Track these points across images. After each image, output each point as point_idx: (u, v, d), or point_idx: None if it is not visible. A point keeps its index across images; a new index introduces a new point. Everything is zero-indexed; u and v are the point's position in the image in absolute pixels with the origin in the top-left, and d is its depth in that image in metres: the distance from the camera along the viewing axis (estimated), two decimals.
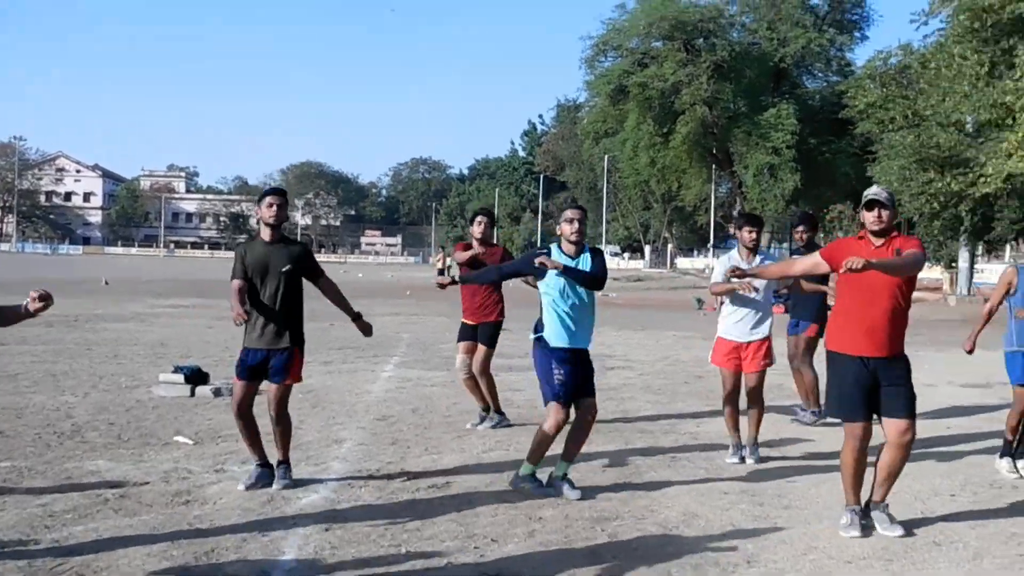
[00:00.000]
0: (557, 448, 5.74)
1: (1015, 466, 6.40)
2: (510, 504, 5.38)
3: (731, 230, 7.15)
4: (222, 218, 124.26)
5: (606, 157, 60.70)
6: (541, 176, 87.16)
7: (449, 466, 6.33)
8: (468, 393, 8.03)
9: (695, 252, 77.86)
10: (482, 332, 7.83)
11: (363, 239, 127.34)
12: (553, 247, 5.72)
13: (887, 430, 4.91)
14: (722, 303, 6.99)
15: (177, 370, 9.20)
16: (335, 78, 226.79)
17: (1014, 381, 6.42)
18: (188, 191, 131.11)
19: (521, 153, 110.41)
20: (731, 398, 6.83)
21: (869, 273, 4.66)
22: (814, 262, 5.18)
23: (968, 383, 10.85)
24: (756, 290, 6.60)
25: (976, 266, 30.19)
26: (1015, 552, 4.71)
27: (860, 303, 4.89)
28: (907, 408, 4.88)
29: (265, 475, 5.67)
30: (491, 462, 6.46)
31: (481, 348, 7.83)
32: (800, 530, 5.00)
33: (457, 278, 6.33)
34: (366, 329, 5.95)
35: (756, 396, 6.81)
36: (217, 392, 8.90)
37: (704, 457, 6.81)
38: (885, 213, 4.90)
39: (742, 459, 6.65)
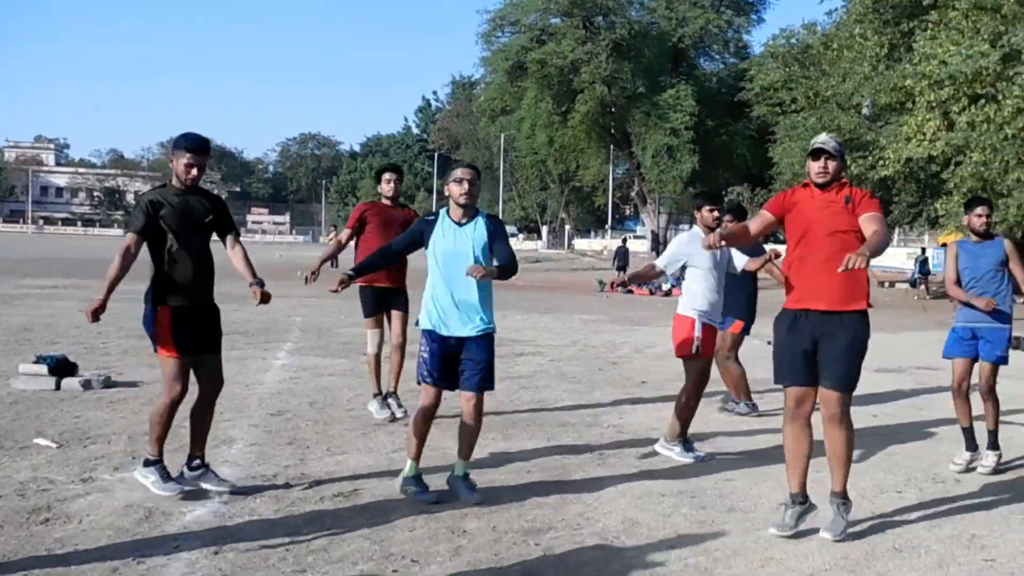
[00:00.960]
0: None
1: (970, 459, 6.15)
2: (429, 515, 4.80)
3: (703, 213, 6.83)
4: (96, 193, 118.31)
5: (502, 136, 60.24)
6: (436, 154, 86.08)
7: (356, 470, 5.70)
8: (369, 375, 7.36)
9: (592, 233, 78.24)
10: (393, 297, 7.24)
11: (249, 217, 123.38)
12: (441, 212, 5.18)
13: (822, 401, 4.62)
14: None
15: (40, 360, 8.28)
16: (217, 47, 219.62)
17: (945, 354, 6.32)
18: (58, 164, 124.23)
19: (415, 130, 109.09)
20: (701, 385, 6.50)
21: (812, 226, 4.57)
22: (764, 220, 4.84)
23: (881, 368, 10.78)
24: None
25: None
26: (980, 558, 4.41)
27: (805, 256, 4.64)
28: (836, 376, 4.58)
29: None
30: (401, 461, 5.84)
31: (396, 314, 7.22)
32: (751, 537, 4.59)
33: (352, 270, 5.54)
34: (266, 298, 5.20)
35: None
36: (87, 385, 8.05)
37: (634, 454, 6.36)
38: (832, 164, 4.60)
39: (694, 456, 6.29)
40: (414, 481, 5.13)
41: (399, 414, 7.19)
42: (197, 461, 5.12)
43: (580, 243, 69.94)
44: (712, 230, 6.33)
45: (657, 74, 43.84)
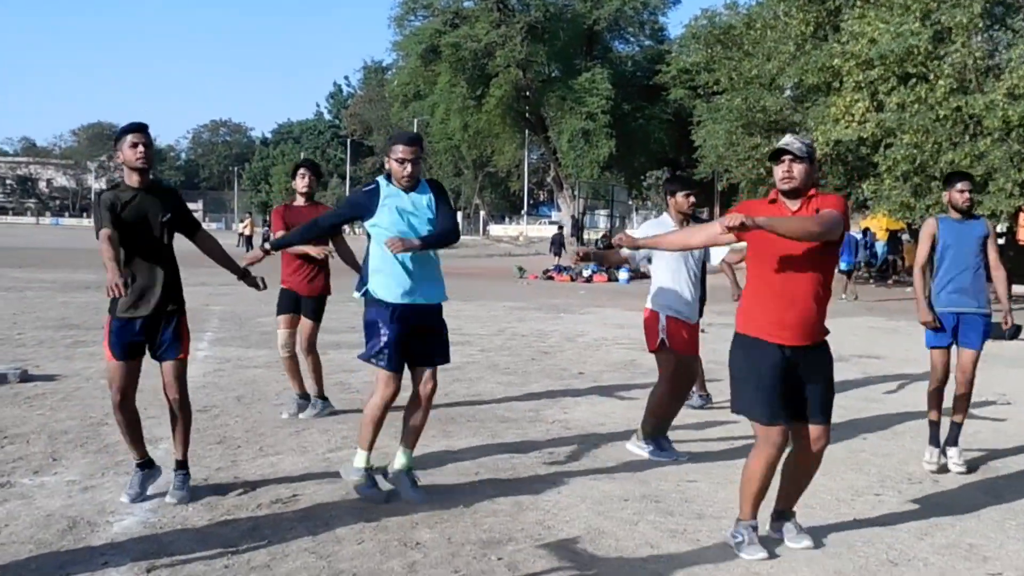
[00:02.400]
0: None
1: (939, 456, 5.89)
2: (376, 524, 4.42)
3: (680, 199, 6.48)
4: (8, 181, 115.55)
5: (416, 121, 59.43)
6: (348, 140, 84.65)
7: (292, 472, 5.30)
8: (287, 376, 7.05)
9: (507, 219, 78.04)
10: (306, 305, 6.96)
11: None
12: (381, 180, 4.86)
13: (802, 434, 4.22)
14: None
15: None
16: (127, 32, 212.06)
17: (929, 344, 5.94)
18: None
19: (327, 116, 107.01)
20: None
21: (782, 243, 3.98)
22: (713, 232, 4.17)
23: None
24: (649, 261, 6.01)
25: None
26: (985, 571, 4.13)
27: (775, 280, 4.11)
28: (824, 410, 4.20)
29: (151, 476, 4.82)
30: (339, 462, 5.46)
31: (306, 322, 6.98)
32: (728, 550, 4.27)
33: (270, 244, 5.23)
34: (257, 285, 5.10)
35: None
36: (1, 379, 7.65)
37: (583, 452, 6.03)
38: (797, 167, 4.06)
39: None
40: (365, 474, 4.77)
41: (319, 407, 6.97)
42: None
43: (495, 229, 69.69)
44: (688, 217, 6.08)
45: (572, 57, 43.57)
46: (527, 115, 46.07)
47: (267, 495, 4.81)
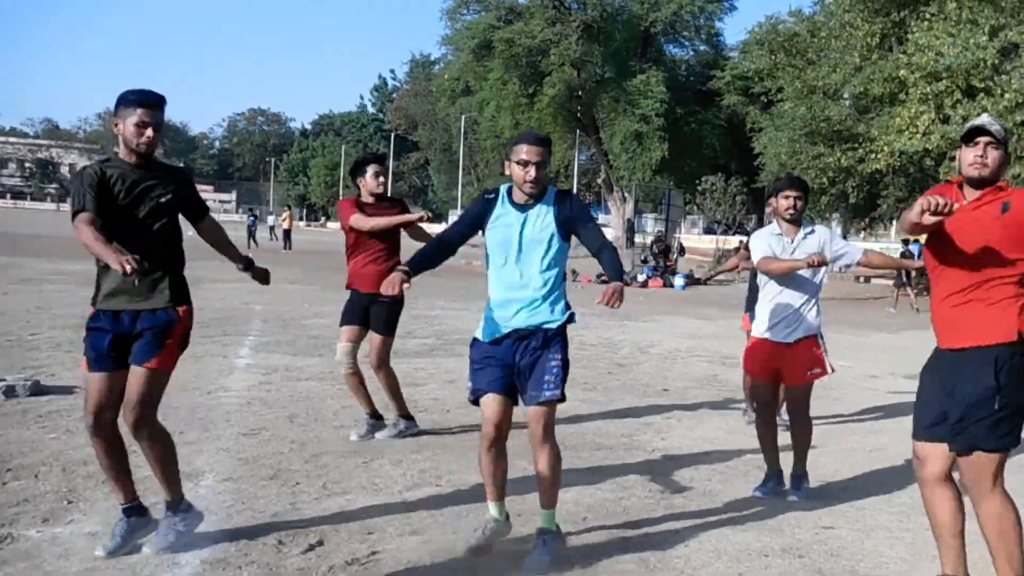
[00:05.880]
0: None
1: None
2: None
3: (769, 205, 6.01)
4: (28, 164, 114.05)
5: (463, 117, 58.80)
6: (392, 134, 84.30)
7: (366, 517, 4.49)
8: (352, 395, 6.32)
9: None
10: (377, 314, 6.14)
11: None
12: (502, 190, 4.18)
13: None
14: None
15: None
16: (162, 15, 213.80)
17: None
18: None
19: (371, 109, 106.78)
20: (768, 411, 5.43)
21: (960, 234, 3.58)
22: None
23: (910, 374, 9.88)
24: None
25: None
26: None
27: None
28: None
29: (141, 527, 3.92)
30: (420, 505, 4.68)
31: (376, 337, 6.15)
32: None
33: (410, 264, 4.28)
34: (263, 277, 4.44)
35: (801, 411, 5.41)
36: (9, 392, 6.64)
37: (696, 488, 5.38)
38: (993, 153, 3.61)
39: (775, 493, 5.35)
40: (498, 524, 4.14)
41: (401, 427, 6.24)
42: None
43: None
44: (792, 223, 5.29)
45: (627, 59, 42.90)
46: (579, 115, 45.55)
47: (340, 552, 4.03)
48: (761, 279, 5.53)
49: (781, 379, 5.36)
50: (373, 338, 6.16)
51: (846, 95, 23.44)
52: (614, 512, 4.80)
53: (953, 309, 3.61)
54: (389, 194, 6.44)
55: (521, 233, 4.03)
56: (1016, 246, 3.54)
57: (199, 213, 4.13)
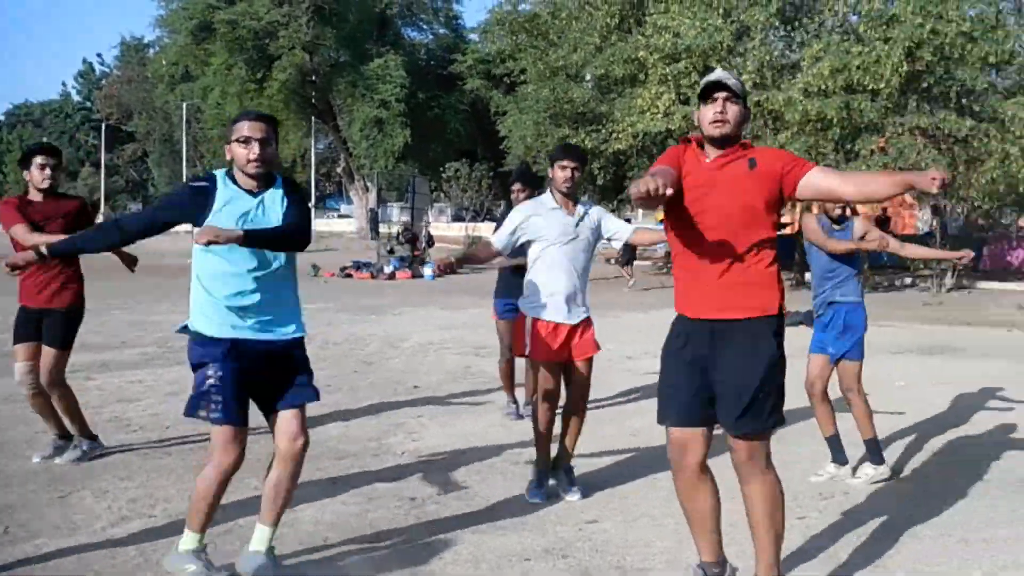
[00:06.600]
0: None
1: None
2: None
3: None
4: None
5: (184, 104, 55.93)
6: (103, 124, 78.71)
7: (59, 567, 3.84)
8: (40, 415, 5.87)
9: None
10: (49, 326, 5.65)
11: None
12: (219, 175, 3.87)
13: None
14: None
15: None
16: None
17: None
18: None
19: (76, 97, 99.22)
20: (551, 396, 5.17)
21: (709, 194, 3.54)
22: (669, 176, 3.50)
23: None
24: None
25: None
26: None
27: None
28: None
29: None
30: (129, 541, 4.10)
31: (48, 352, 5.66)
32: None
33: (49, 248, 3.85)
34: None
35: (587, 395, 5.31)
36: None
37: (453, 492, 5.20)
38: (733, 109, 3.56)
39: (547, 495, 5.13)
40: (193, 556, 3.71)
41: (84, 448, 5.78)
42: None
43: None
44: (567, 196, 5.14)
45: (362, 42, 42.32)
46: (314, 101, 44.50)
47: None
48: (537, 258, 5.27)
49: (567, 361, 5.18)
50: (46, 352, 5.64)
51: (588, 76, 24.20)
52: (359, 527, 4.48)
53: (710, 280, 3.48)
54: (59, 189, 5.71)
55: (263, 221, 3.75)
56: (770, 205, 3.49)
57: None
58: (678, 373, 3.55)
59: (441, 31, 45.63)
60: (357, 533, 4.39)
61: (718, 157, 3.52)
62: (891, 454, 6.11)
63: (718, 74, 3.60)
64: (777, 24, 20.96)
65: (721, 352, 3.46)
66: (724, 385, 3.46)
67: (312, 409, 6.97)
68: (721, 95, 3.51)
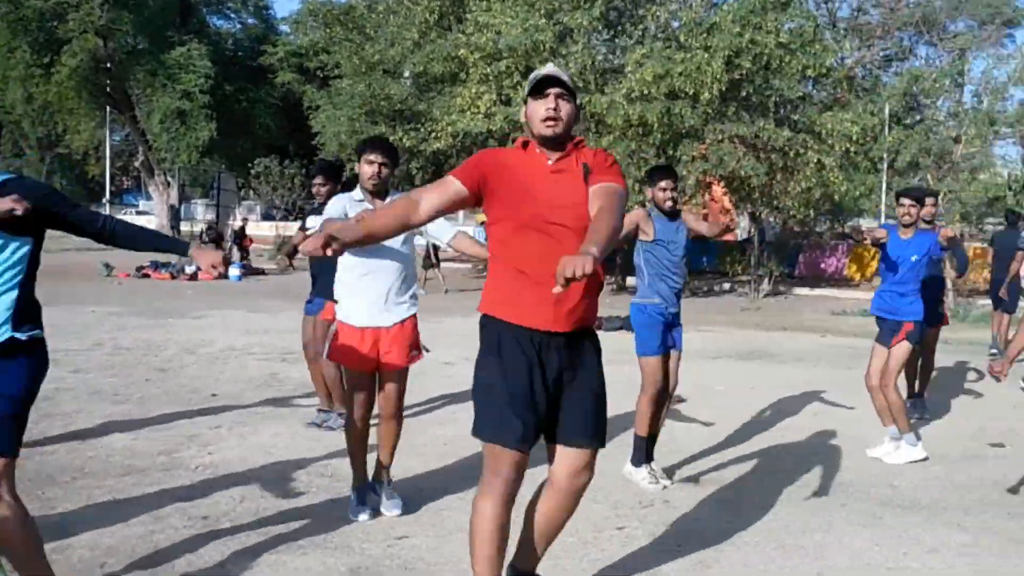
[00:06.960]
0: None
1: (655, 474, 5.53)
2: None
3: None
4: None
5: None
6: None
7: None
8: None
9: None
10: None
11: None
12: None
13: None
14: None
15: None
16: None
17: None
18: None
19: None
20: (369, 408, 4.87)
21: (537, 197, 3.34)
22: (449, 194, 3.44)
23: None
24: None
25: None
26: None
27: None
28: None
29: None
30: None
31: None
32: None
33: None
34: None
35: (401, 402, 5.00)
36: None
37: (251, 508, 4.75)
38: (566, 107, 3.34)
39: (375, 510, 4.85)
40: None
41: None
42: None
43: None
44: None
45: (164, 29, 40.35)
46: (109, 90, 42.01)
47: None
48: (348, 259, 4.95)
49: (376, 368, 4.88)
50: None
51: (407, 73, 23.92)
52: (141, 551, 4.11)
53: (546, 288, 3.07)
54: None
55: None
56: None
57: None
58: (505, 385, 3.35)
59: (250, 21, 44.06)
60: (140, 556, 3.99)
61: (560, 158, 3.35)
62: (708, 462, 6.19)
63: (551, 68, 3.41)
64: (600, 28, 21.22)
65: (567, 365, 3.33)
66: (572, 398, 3.36)
67: (95, 420, 6.49)
68: (554, 91, 3.31)
